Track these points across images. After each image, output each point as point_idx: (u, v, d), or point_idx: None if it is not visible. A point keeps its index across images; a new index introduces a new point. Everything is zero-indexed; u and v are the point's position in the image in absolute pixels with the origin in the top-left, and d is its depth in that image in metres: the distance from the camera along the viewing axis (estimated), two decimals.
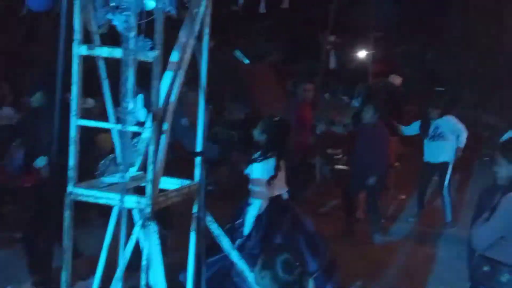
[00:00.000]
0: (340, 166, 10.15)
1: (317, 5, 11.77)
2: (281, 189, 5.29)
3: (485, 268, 3.81)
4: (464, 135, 8.04)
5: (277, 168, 5.15)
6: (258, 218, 5.12)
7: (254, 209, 5.14)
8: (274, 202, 5.20)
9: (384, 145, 7.55)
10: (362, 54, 14.67)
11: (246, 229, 5.08)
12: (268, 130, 5.23)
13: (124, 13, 3.18)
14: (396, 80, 10.20)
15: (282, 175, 5.25)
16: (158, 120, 3.36)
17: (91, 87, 3.65)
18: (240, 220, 5.17)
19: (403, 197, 9.67)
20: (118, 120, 3.33)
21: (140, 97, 3.22)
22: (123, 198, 3.36)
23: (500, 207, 3.77)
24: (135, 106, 3.22)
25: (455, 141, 8.07)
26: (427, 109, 8.26)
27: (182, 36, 3.65)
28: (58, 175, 3.78)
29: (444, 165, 8.15)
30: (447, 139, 8.07)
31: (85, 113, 3.52)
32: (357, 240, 7.39)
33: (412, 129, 8.57)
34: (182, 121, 5.42)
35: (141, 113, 3.23)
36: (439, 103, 8.51)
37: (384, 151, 7.52)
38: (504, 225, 3.75)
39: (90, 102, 5.82)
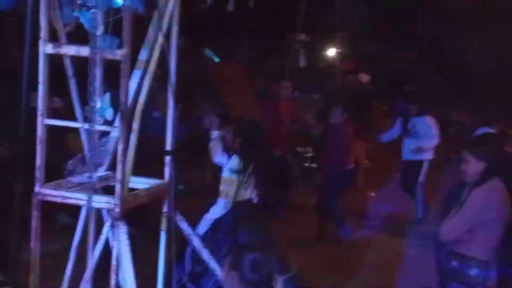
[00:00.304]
0: (310, 164, 10.19)
1: (287, 4, 11.80)
2: (251, 193, 5.22)
3: (454, 263, 3.88)
4: (433, 141, 8.15)
5: (245, 170, 5.11)
6: (219, 219, 5.06)
7: (216, 208, 5.09)
8: (242, 205, 5.12)
9: (349, 144, 7.58)
10: (331, 52, 14.76)
11: (201, 228, 5.00)
12: (242, 133, 5.20)
13: (91, 11, 3.14)
14: (364, 78, 10.31)
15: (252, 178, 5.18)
16: (127, 119, 3.33)
17: (58, 86, 3.60)
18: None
19: (373, 194, 9.76)
20: (86, 119, 3.29)
21: (107, 95, 3.18)
22: (90, 198, 3.32)
23: (467, 202, 3.84)
24: (103, 104, 3.18)
25: (430, 140, 8.19)
26: (405, 107, 8.40)
27: (151, 34, 3.62)
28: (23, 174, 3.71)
29: (418, 163, 8.24)
30: (420, 139, 8.16)
31: (53, 113, 3.47)
32: (330, 239, 7.45)
33: (389, 136, 8.65)
34: (154, 114, 5.37)
35: (109, 112, 3.19)
36: (417, 100, 8.62)
37: (348, 150, 7.55)
38: (470, 219, 3.82)
39: (57, 101, 5.74)
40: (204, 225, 5.02)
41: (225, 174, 5.14)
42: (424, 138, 8.17)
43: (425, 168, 8.28)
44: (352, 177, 7.87)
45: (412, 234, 7.68)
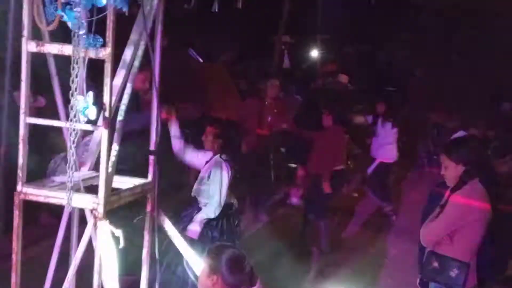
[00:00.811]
0: (293, 165, 10.21)
1: (270, 6, 11.82)
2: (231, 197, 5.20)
3: (435, 264, 3.91)
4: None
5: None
6: (211, 221, 5.02)
7: (209, 208, 5.02)
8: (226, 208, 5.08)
9: (339, 146, 7.60)
10: (314, 54, 14.83)
11: (193, 227, 4.94)
12: (223, 135, 5.12)
13: (75, 9, 3.13)
14: (343, 79, 10.38)
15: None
16: (110, 118, 3.31)
17: (41, 84, 3.58)
18: (187, 211, 5.10)
19: (356, 195, 9.83)
20: (69, 118, 3.27)
21: (91, 94, 3.16)
22: (70, 197, 3.29)
23: (447, 206, 3.87)
24: (86, 104, 3.16)
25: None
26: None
27: (134, 33, 3.61)
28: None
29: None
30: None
31: (37, 112, 3.44)
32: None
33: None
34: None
35: (92, 111, 3.17)
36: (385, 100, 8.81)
37: (338, 151, 7.55)
38: (450, 223, 3.85)
39: (42, 101, 5.69)
40: (196, 224, 4.97)
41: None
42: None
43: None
44: (342, 177, 7.78)
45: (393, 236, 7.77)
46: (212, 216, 4.96)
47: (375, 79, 15.10)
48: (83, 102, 3.15)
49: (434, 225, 3.92)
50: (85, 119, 3.22)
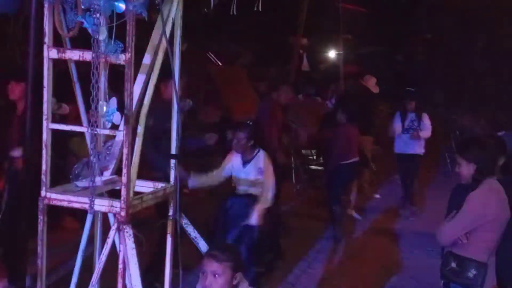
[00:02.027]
0: (314, 167, 10.21)
1: (288, 8, 11.83)
2: None
3: (453, 265, 3.88)
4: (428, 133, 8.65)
5: None
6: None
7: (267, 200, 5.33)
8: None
9: (351, 141, 7.81)
10: (332, 55, 14.79)
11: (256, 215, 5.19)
12: (254, 134, 5.39)
13: (95, 15, 3.16)
14: (370, 81, 10.30)
15: None
16: (132, 123, 3.34)
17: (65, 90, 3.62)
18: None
19: (378, 196, 9.79)
20: (91, 124, 3.30)
21: (114, 99, 3.19)
22: (92, 202, 3.32)
23: (465, 205, 3.85)
24: (109, 109, 3.19)
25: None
26: (403, 102, 8.63)
27: (154, 38, 3.64)
28: (32, 179, 3.73)
29: (414, 156, 8.69)
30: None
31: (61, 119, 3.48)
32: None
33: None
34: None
35: (116, 116, 3.20)
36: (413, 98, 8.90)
37: (350, 146, 7.75)
38: (468, 223, 3.83)
39: (66, 108, 5.76)
40: (257, 213, 5.20)
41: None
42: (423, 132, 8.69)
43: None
44: (354, 169, 7.99)
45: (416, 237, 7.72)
46: (269, 205, 5.30)
47: (395, 80, 15.04)
48: (105, 108, 3.18)
49: (451, 224, 3.90)
50: (109, 124, 3.25)
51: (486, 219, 3.80)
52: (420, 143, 8.72)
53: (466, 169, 3.94)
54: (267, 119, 7.60)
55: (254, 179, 5.36)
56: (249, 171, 5.37)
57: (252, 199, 5.31)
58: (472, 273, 3.81)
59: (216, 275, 3.07)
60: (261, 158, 5.36)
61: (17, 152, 5.05)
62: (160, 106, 5.24)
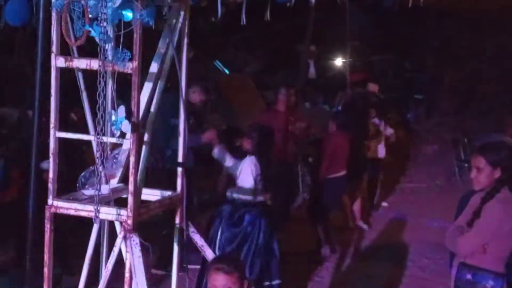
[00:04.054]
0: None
1: (295, 16, 11.83)
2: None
3: (468, 276, 3.77)
4: None
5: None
6: None
7: None
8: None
9: (339, 153, 7.50)
10: (339, 63, 14.77)
11: None
12: (255, 137, 5.37)
13: (102, 24, 3.17)
14: (373, 88, 10.30)
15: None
16: (138, 131, 3.34)
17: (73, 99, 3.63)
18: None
19: (386, 204, 9.74)
20: (98, 132, 3.31)
21: (122, 108, 3.20)
22: (98, 211, 3.32)
23: (483, 216, 3.72)
24: (117, 117, 3.20)
25: None
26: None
27: (161, 47, 3.65)
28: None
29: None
30: None
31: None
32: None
33: None
34: (172, 121, 5.37)
35: (125, 125, 3.20)
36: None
37: (337, 158, 7.48)
38: (487, 234, 3.70)
39: (73, 117, 5.81)
40: None
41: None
42: None
43: None
44: (343, 184, 7.67)
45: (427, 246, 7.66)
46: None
47: (403, 87, 14.99)
48: (114, 116, 3.20)
49: (470, 235, 3.75)
50: (118, 133, 3.26)
51: (504, 229, 3.69)
52: None
53: (489, 175, 3.69)
54: (275, 127, 7.58)
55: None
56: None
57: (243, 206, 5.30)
58: (489, 284, 3.70)
59: (229, 285, 3.02)
60: (246, 161, 5.32)
61: (46, 164, 5.09)
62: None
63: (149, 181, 3.73)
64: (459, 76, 15.17)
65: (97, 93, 3.20)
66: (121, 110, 3.20)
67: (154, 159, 5.40)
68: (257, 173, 5.26)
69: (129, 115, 3.29)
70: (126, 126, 3.22)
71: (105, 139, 3.26)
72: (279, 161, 7.64)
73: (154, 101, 3.65)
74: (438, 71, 15.50)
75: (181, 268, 4.01)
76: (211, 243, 5.04)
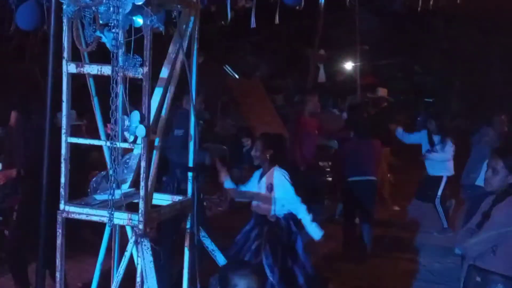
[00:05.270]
0: (330, 179, 10.16)
1: (304, 20, 11.85)
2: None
3: (477, 279, 3.76)
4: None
5: None
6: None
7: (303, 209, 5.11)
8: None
9: (376, 157, 7.61)
10: (349, 66, 14.77)
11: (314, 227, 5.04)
12: (273, 146, 5.21)
13: (113, 30, 3.19)
14: (383, 92, 10.31)
15: None
16: (149, 136, 3.36)
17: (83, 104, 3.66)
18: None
19: (397, 208, 9.71)
20: (111, 137, 3.33)
21: (136, 113, 3.21)
22: (111, 215, 3.34)
23: (493, 217, 3.72)
24: (131, 122, 3.21)
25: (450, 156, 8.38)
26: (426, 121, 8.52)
27: (171, 52, 3.67)
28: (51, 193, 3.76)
29: (438, 178, 8.42)
30: (442, 154, 8.37)
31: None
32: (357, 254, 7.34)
33: (414, 138, 8.70)
34: (176, 132, 5.38)
35: (140, 129, 3.22)
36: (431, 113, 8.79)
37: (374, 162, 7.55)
38: (496, 236, 3.69)
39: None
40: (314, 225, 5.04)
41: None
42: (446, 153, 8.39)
43: (443, 183, 8.44)
44: (375, 188, 7.71)
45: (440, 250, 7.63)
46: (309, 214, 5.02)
47: (412, 91, 14.97)
48: (126, 121, 3.21)
49: (479, 238, 3.76)
50: (131, 138, 3.28)
51: None
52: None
53: (502, 177, 3.71)
54: (301, 133, 7.58)
55: (263, 195, 5.14)
56: (261, 186, 5.17)
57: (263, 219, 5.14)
58: (499, 287, 3.69)
59: None
60: (274, 173, 5.11)
61: None
62: (177, 114, 5.28)
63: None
64: (469, 78, 15.12)
65: (110, 98, 3.21)
66: (135, 115, 3.22)
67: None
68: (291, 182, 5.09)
69: (142, 120, 3.30)
70: (141, 131, 3.23)
71: (118, 144, 3.27)
72: (309, 167, 7.67)
73: (165, 106, 3.66)
74: (448, 74, 15.46)
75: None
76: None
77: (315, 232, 5.00)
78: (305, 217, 5.01)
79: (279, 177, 5.08)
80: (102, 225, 3.53)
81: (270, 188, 5.10)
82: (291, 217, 5.13)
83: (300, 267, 5.02)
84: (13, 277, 5.50)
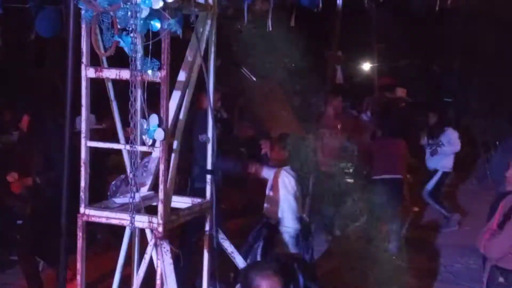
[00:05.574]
0: (349, 180, 10.11)
1: (321, 21, 11.81)
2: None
3: (500, 279, 3.74)
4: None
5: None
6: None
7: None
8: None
9: (400, 156, 7.59)
10: (366, 67, 14.69)
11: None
12: (289, 147, 5.20)
13: (131, 34, 3.22)
14: (402, 92, 10.27)
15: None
16: (168, 139, 3.38)
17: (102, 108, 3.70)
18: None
19: (416, 209, 9.63)
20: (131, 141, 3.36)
21: (155, 117, 3.23)
22: (133, 218, 3.37)
23: None
24: (150, 126, 3.23)
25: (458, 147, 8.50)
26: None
27: (189, 55, 3.69)
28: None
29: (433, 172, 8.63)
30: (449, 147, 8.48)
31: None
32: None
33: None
34: (201, 137, 5.38)
35: (159, 133, 3.24)
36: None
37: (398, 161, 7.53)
38: None
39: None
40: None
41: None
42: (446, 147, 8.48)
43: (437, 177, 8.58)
44: (402, 187, 7.70)
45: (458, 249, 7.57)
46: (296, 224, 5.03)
47: (431, 91, 14.85)
48: (145, 125, 3.24)
49: (500, 238, 3.74)
50: (150, 141, 3.30)
51: None
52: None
53: None
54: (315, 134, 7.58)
55: (268, 196, 5.19)
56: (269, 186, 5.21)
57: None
58: None
59: None
60: (280, 174, 5.09)
61: None
62: (196, 116, 5.29)
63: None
64: (488, 78, 14.98)
65: (129, 102, 3.24)
66: (154, 118, 3.24)
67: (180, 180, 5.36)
68: (291, 186, 5.06)
69: (160, 123, 3.32)
70: (159, 134, 3.26)
71: (137, 148, 3.29)
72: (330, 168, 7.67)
73: (183, 109, 3.68)
74: (467, 74, 15.32)
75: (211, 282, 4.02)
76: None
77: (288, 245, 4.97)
78: (287, 228, 5.00)
79: (282, 179, 5.07)
80: (116, 227, 3.56)
81: (270, 188, 5.12)
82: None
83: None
84: (27, 280, 5.57)
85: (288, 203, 5.03)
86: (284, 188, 5.05)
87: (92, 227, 3.84)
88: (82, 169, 3.49)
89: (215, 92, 5.18)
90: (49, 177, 5.14)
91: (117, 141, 3.77)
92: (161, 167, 3.34)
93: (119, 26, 3.23)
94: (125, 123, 3.45)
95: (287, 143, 5.21)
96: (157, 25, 3.24)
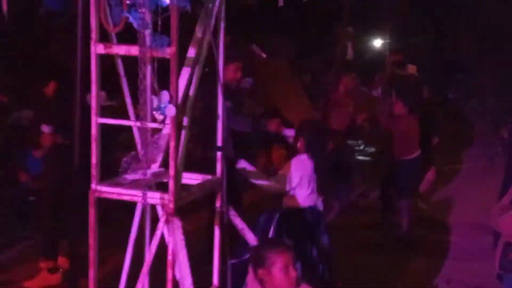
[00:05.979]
0: (361, 157, 10.10)
1: None
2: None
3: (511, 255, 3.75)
4: None
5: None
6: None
7: None
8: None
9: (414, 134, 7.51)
10: (377, 44, 14.60)
11: None
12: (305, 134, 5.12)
13: (140, 10, 3.19)
14: (412, 69, 10.17)
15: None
16: (177, 115, 3.37)
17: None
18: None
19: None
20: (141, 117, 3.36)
21: (165, 93, 3.22)
22: (145, 194, 3.37)
23: None
24: (161, 102, 3.22)
25: None
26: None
27: (198, 31, 3.66)
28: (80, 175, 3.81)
29: None
30: None
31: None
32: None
33: None
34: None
35: (170, 109, 3.23)
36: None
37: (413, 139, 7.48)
38: None
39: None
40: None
41: None
42: None
43: None
44: (419, 165, 7.63)
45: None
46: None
47: (443, 67, 14.75)
48: (156, 102, 3.23)
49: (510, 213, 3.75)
50: (161, 118, 3.30)
51: None
52: None
53: None
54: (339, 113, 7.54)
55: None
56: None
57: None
58: None
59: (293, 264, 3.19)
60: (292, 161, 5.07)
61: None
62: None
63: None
64: (500, 56, 14.83)
65: (139, 79, 3.23)
66: (165, 94, 3.23)
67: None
68: (306, 173, 5.02)
69: (171, 100, 3.31)
70: (170, 110, 3.25)
71: (148, 124, 3.29)
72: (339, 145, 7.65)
73: (193, 86, 3.66)
74: (479, 51, 15.18)
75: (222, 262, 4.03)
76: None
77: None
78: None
79: (293, 163, 5.04)
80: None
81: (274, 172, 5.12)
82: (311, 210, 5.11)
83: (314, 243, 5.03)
84: (44, 251, 5.67)
85: (300, 183, 5.02)
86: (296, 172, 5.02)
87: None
88: (93, 145, 3.50)
89: (235, 63, 5.18)
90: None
91: (128, 118, 3.76)
92: (171, 143, 3.34)
93: (128, 2, 3.21)
94: (137, 100, 3.44)
95: (301, 132, 5.15)
96: (166, 0, 3.21)
